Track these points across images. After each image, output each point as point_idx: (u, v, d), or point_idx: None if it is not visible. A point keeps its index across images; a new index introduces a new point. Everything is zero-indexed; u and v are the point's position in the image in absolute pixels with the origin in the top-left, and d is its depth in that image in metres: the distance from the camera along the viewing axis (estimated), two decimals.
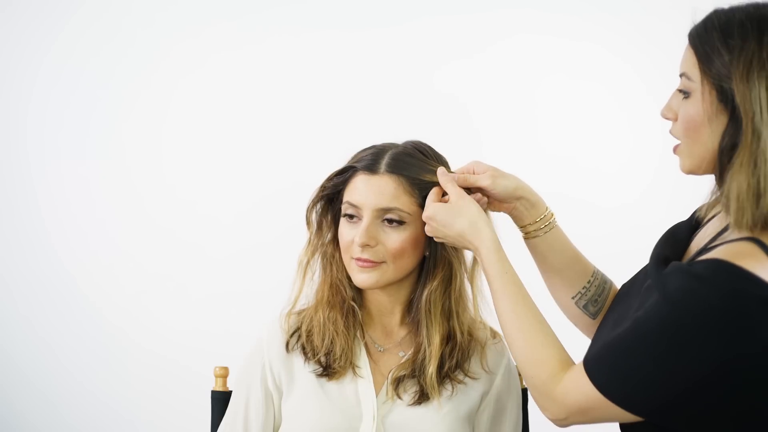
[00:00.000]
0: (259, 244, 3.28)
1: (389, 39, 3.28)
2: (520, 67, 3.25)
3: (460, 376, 1.75)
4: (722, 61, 1.36)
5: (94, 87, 3.40)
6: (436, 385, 1.72)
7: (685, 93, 1.42)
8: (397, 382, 1.74)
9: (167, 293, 3.36)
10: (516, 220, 1.73)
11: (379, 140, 1.78)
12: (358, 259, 1.70)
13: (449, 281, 1.75)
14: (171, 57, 3.37)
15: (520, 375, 1.85)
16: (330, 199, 1.78)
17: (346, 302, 1.77)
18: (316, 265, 1.80)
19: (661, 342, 1.33)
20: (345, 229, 1.73)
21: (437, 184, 1.69)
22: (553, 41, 3.23)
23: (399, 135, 1.80)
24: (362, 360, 1.76)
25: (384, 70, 3.28)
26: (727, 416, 1.35)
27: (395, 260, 1.70)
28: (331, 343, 1.74)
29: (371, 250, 1.69)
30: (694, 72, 1.40)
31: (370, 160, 1.71)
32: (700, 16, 1.42)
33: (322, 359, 1.74)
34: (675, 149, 1.46)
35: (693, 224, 1.55)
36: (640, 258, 1.55)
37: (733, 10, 1.39)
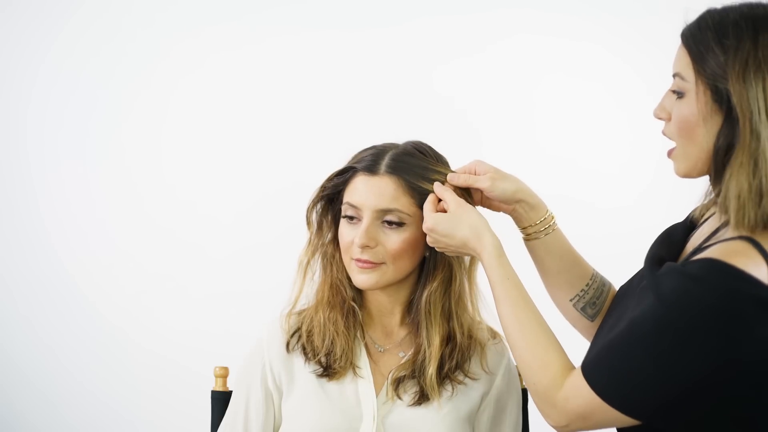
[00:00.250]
0: (259, 244, 3.28)
1: (389, 39, 3.28)
2: (520, 67, 3.25)
3: (460, 377, 1.75)
4: (717, 61, 1.36)
5: (93, 87, 3.40)
6: (436, 385, 1.72)
7: (678, 93, 1.41)
8: (397, 383, 1.74)
9: (167, 293, 3.36)
10: (516, 221, 1.73)
11: (378, 140, 1.78)
12: (358, 260, 1.70)
13: (449, 282, 1.75)
14: (171, 57, 3.37)
15: (520, 375, 1.85)
16: (330, 199, 1.78)
17: (347, 302, 1.77)
18: (317, 265, 1.80)
19: (657, 344, 1.33)
20: (345, 229, 1.73)
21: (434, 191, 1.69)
22: (552, 41, 3.23)
23: (398, 135, 1.80)
24: (362, 360, 1.76)
25: (383, 70, 3.28)
26: (725, 416, 1.36)
27: (395, 261, 1.70)
28: (332, 343, 1.74)
29: (371, 251, 1.69)
30: (688, 72, 1.39)
31: (370, 161, 1.71)
32: (692, 16, 1.42)
33: (323, 359, 1.75)
34: (669, 153, 1.46)
35: (688, 225, 1.55)
36: (639, 259, 1.55)
37: (727, 10, 1.39)
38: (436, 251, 1.72)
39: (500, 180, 1.68)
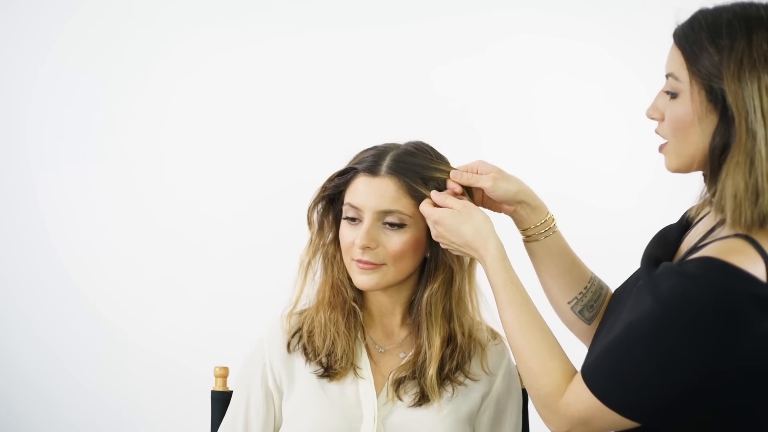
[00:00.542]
0: (260, 244, 3.29)
1: (389, 39, 3.28)
2: (519, 67, 3.25)
3: (461, 378, 1.75)
4: (711, 61, 1.36)
5: (94, 87, 3.40)
6: (436, 386, 1.72)
7: (672, 94, 1.41)
8: (398, 384, 1.74)
9: (167, 293, 3.36)
10: (516, 222, 1.72)
11: (378, 140, 1.78)
12: (359, 261, 1.70)
13: (450, 283, 1.75)
14: (171, 57, 3.37)
15: (520, 376, 1.85)
16: (331, 200, 1.77)
17: (347, 303, 1.77)
18: (318, 265, 1.79)
19: (656, 344, 1.33)
20: (346, 230, 1.73)
21: (439, 185, 1.69)
22: (551, 41, 3.23)
23: (398, 135, 1.80)
24: (363, 361, 1.76)
25: (383, 70, 3.28)
26: (724, 416, 1.35)
27: (396, 262, 1.70)
28: (332, 343, 1.74)
29: (372, 252, 1.69)
30: (682, 72, 1.40)
31: (371, 162, 1.71)
32: (683, 16, 1.42)
33: (323, 360, 1.74)
34: (661, 148, 1.46)
35: (683, 225, 1.55)
36: (638, 260, 1.54)
37: (719, 10, 1.39)
38: (437, 252, 1.72)
39: (502, 181, 1.67)
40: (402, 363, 1.76)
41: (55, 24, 3.41)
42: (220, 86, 3.35)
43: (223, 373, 1.94)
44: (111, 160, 3.40)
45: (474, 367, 1.76)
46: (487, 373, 1.77)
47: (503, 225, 1.70)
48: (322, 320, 1.76)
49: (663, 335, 1.32)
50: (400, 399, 1.73)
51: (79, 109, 3.40)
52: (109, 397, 3.39)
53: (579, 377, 1.42)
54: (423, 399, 1.72)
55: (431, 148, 1.76)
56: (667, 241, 1.53)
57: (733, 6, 1.39)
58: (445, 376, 1.73)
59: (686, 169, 1.43)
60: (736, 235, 1.35)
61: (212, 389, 1.94)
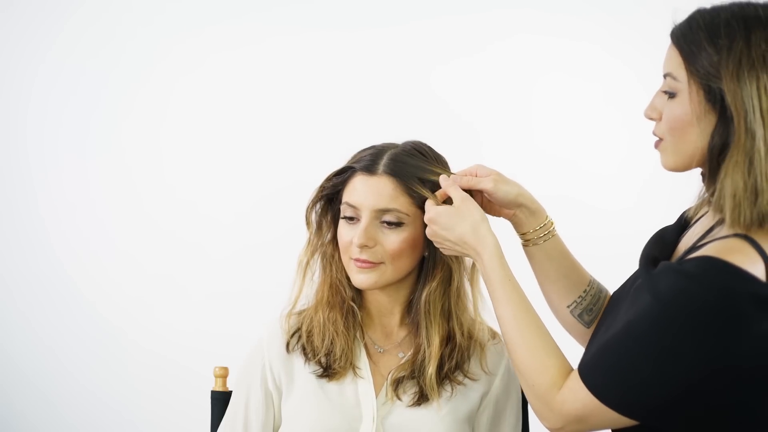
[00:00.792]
0: (259, 244, 3.29)
1: (388, 39, 3.28)
2: (518, 67, 3.25)
3: (460, 377, 1.75)
4: (710, 61, 1.36)
5: (93, 86, 3.40)
6: (435, 386, 1.72)
7: (670, 93, 1.41)
8: (397, 383, 1.74)
9: (167, 293, 3.36)
10: (515, 226, 1.72)
11: (377, 140, 1.78)
12: (357, 260, 1.70)
13: (448, 282, 1.75)
14: (170, 56, 3.38)
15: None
16: (329, 199, 1.78)
17: (346, 302, 1.77)
18: (316, 265, 1.79)
19: (654, 343, 1.33)
20: (344, 229, 1.73)
21: (436, 185, 1.69)
22: (551, 41, 3.23)
23: (397, 135, 1.80)
24: (362, 361, 1.76)
25: (383, 70, 3.29)
26: (723, 415, 1.35)
27: (394, 261, 1.70)
28: (331, 343, 1.74)
29: (370, 250, 1.69)
30: (680, 72, 1.40)
31: (369, 161, 1.71)
32: (681, 16, 1.42)
33: (323, 360, 1.75)
34: (656, 145, 1.46)
35: (681, 225, 1.55)
36: (637, 261, 1.54)
37: (717, 10, 1.39)
38: (436, 251, 1.72)
39: (502, 183, 1.67)
40: (401, 362, 1.76)
41: (55, 23, 3.41)
42: (220, 86, 3.35)
43: (223, 373, 1.94)
44: (111, 159, 3.40)
45: (473, 366, 1.76)
46: (486, 373, 1.77)
47: (502, 229, 1.70)
48: (321, 320, 1.76)
49: (661, 334, 1.32)
50: (399, 399, 1.73)
51: (79, 109, 3.40)
52: (109, 397, 3.39)
53: (576, 374, 1.42)
54: (422, 398, 1.72)
55: (429, 147, 1.76)
56: (665, 242, 1.53)
57: (731, 6, 1.39)
58: (444, 376, 1.73)
59: (683, 168, 1.43)
60: (736, 235, 1.35)
61: (212, 389, 1.94)
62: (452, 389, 1.74)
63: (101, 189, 3.40)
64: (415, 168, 1.70)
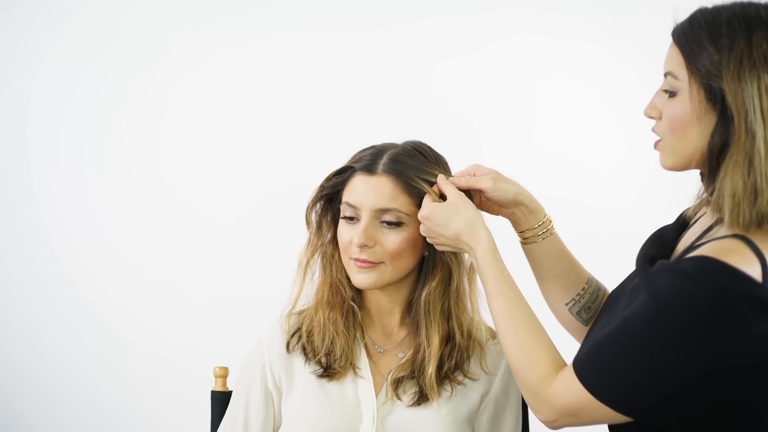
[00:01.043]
0: (259, 244, 3.29)
1: (388, 39, 3.28)
2: (518, 67, 3.25)
3: (460, 377, 1.75)
4: (711, 60, 1.36)
5: (93, 87, 3.40)
6: (435, 386, 1.72)
7: (670, 92, 1.42)
8: (397, 383, 1.74)
9: (167, 293, 3.36)
10: (514, 224, 1.72)
11: (377, 140, 1.78)
12: (357, 260, 1.70)
13: (448, 282, 1.75)
14: (170, 56, 3.38)
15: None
16: (329, 199, 1.78)
17: (346, 302, 1.77)
18: (316, 265, 1.80)
19: (649, 341, 1.33)
20: (344, 229, 1.73)
21: (435, 184, 1.70)
22: (550, 41, 3.23)
23: (397, 135, 1.80)
24: (362, 361, 1.76)
25: (383, 70, 3.29)
26: (717, 414, 1.36)
27: (393, 261, 1.70)
28: (332, 343, 1.74)
29: (369, 250, 1.70)
30: (681, 71, 1.40)
31: (369, 161, 1.72)
32: (682, 15, 1.42)
33: (323, 360, 1.75)
34: (656, 144, 1.46)
35: (680, 225, 1.56)
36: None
37: (719, 9, 1.39)
38: (435, 251, 1.72)
39: (501, 181, 1.67)
40: (401, 362, 1.76)
41: (54, 23, 3.41)
42: (220, 86, 3.36)
43: (223, 373, 1.94)
44: (111, 159, 3.40)
45: (473, 366, 1.76)
46: (486, 373, 1.77)
47: (500, 226, 1.70)
48: (321, 320, 1.76)
49: (657, 333, 1.33)
50: (399, 398, 1.73)
51: (79, 109, 3.40)
52: (109, 397, 3.39)
53: (570, 369, 1.42)
54: (422, 398, 1.72)
55: (429, 147, 1.77)
56: (663, 241, 1.53)
57: (733, 6, 1.39)
58: (444, 376, 1.74)
59: (682, 168, 1.43)
60: (733, 236, 1.35)
61: (212, 389, 1.94)
62: (452, 389, 1.74)
63: (101, 189, 3.40)
64: (415, 168, 1.70)
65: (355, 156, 1.76)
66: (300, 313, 1.80)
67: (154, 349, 3.36)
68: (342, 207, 1.73)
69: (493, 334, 1.81)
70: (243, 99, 3.35)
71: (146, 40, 3.38)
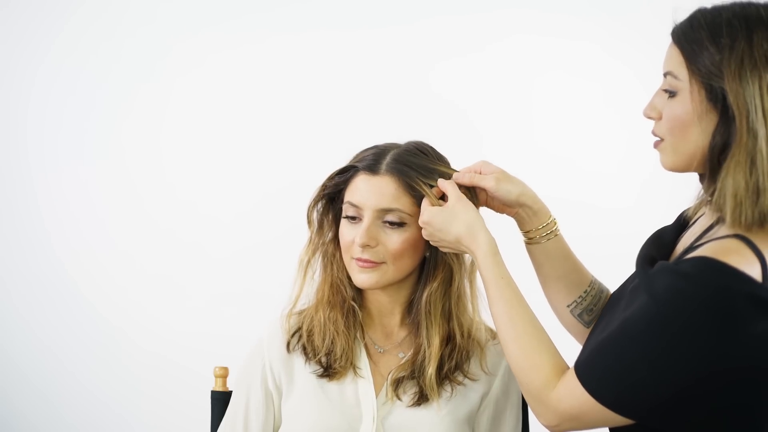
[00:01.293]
0: (259, 244, 3.29)
1: (388, 39, 3.28)
2: (518, 66, 3.25)
3: (460, 378, 1.75)
4: (712, 60, 1.36)
5: (93, 86, 3.40)
6: (435, 386, 1.72)
7: (670, 92, 1.41)
8: (397, 384, 1.74)
9: (167, 293, 3.36)
10: (518, 224, 1.72)
11: (378, 139, 1.78)
12: (359, 260, 1.70)
13: (449, 282, 1.75)
14: (170, 56, 3.37)
15: None
16: (331, 198, 1.78)
17: (347, 302, 1.77)
18: (317, 264, 1.80)
19: (650, 342, 1.33)
20: (345, 229, 1.73)
21: (435, 187, 1.69)
22: (550, 41, 3.23)
23: (398, 134, 1.80)
24: (362, 361, 1.76)
25: (383, 70, 3.29)
26: (720, 415, 1.35)
27: (395, 261, 1.70)
28: (332, 343, 1.74)
29: (371, 250, 1.69)
30: (681, 71, 1.40)
31: (372, 160, 1.71)
32: (681, 15, 1.42)
33: (323, 359, 1.75)
34: (656, 145, 1.46)
35: (680, 225, 1.55)
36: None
37: (719, 9, 1.39)
38: (437, 251, 1.72)
39: (505, 182, 1.67)
40: (401, 363, 1.76)
41: (54, 23, 3.41)
42: (219, 86, 3.35)
43: (223, 374, 1.94)
44: (110, 159, 3.40)
45: (473, 367, 1.76)
46: (486, 373, 1.77)
47: (504, 226, 1.70)
48: (322, 319, 1.76)
49: (658, 334, 1.33)
50: (399, 399, 1.73)
51: (79, 109, 3.40)
52: (109, 397, 3.39)
53: (572, 372, 1.42)
54: (422, 399, 1.72)
55: (432, 148, 1.76)
56: (662, 242, 1.53)
57: (733, 5, 1.39)
58: (444, 376, 1.73)
59: (683, 168, 1.43)
60: (733, 236, 1.35)
61: (212, 389, 1.94)
62: (452, 389, 1.74)
63: (101, 189, 3.40)
64: (417, 168, 1.70)
65: (357, 156, 1.76)
66: (300, 312, 1.80)
67: (154, 349, 3.36)
68: (344, 206, 1.73)
69: (494, 335, 1.81)
70: (243, 99, 3.35)
71: (146, 39, 3.38)
